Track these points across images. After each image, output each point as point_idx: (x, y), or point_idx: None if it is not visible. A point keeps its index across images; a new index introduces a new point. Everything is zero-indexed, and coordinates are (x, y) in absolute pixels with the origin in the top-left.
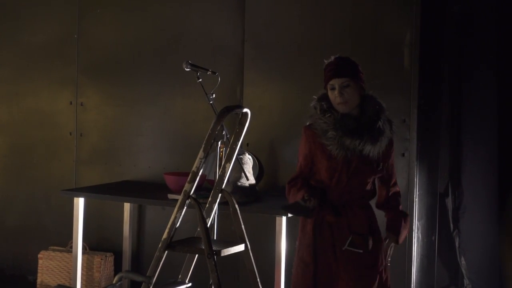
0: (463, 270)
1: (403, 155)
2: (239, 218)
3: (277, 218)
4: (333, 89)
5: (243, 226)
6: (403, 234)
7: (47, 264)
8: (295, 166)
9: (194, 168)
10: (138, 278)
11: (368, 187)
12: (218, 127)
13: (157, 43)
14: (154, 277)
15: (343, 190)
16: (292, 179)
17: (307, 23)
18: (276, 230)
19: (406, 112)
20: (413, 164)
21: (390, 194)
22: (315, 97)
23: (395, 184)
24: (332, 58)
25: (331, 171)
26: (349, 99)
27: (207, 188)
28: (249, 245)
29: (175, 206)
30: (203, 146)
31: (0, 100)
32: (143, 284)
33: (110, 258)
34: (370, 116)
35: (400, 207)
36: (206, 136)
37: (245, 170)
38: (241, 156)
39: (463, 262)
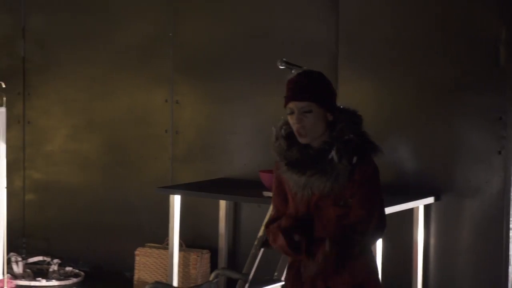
0: None
1: (499, 153)
2: None
3: None
4: (291, 113)
5: None
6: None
7: (144, 260)
8: (390, 164)
9: None
10: (234, 275)
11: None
12: None
13: (251, 40)
14: (250, 275)
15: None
16: (270, 221)
17: (401, 21)
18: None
19: (502, 110)
20: (510, 162)
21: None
22: (283, 118)
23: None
24: (294, 72)
25: (295, 211)
26: (310, 128)
27: None
28: None
29: (270, 204)
30: None
31: (96, 98)
32: (239, 281)
33: (206, 255)
34: (324, 143)
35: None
36: None
37: None
38: None
39: None
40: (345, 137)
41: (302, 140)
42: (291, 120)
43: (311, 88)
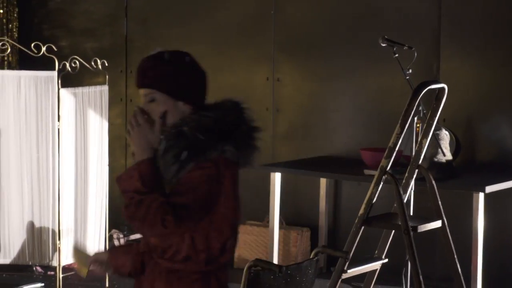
0: None
1: None
2: (435, 194)
3: (474, 195)
4: None
5: (439, 202)
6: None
7: (244, 238)
8: (492, 143)
9: (390, 144)
10: (335, 253)
11: (172, 242)
12: (415, 103)
13: (352, 18)
14: (350, 253)
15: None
16: None
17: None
18: (473, 207)
19: None
20: None
21: None
22: None
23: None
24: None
25: None
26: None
27: (403, 164)
28: (446, 222)
29: (371, 182)
30: (400, 121)
31: None
32: (340, 259)
33: (307, 233)
34: (162, 130)
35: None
36: (403, 112)
37: (441, 146)
38: (438, 132)
39: None
40: (184, 127)
41: None
42: None
43: (154, 72)
